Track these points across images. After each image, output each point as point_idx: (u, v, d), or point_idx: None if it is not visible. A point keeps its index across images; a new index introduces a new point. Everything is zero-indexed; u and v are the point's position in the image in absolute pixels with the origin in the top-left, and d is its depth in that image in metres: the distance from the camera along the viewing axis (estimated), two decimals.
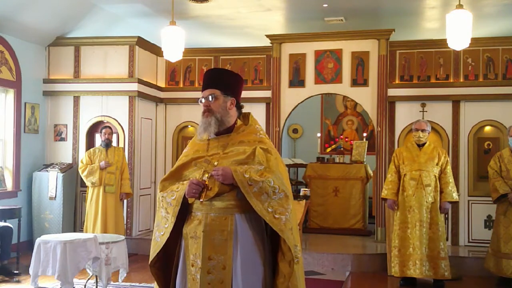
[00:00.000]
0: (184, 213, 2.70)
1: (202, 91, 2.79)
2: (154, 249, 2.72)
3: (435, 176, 5.83)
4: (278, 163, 2.70)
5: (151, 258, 2.73)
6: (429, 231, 5.76)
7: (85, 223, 7.05)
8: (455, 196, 5.85)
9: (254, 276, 2.60)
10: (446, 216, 6.51)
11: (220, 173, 2.56)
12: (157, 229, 2.73)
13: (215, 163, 2.67)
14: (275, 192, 2.57)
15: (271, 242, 2.71)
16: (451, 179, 5.87)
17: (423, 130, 5.90)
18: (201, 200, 2.60)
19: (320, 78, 8.00)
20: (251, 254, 2.62)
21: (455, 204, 6.22)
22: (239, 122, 2.81)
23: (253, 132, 2.77)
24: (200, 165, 2.70)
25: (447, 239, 6.34)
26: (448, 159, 5.97)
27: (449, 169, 5.90)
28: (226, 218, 2.61)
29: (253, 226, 2.65)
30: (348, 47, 7.91)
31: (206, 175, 2.63)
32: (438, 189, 5.82)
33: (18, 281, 5.96)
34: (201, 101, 2.77)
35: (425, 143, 5.94)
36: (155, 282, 2.82)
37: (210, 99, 2.72)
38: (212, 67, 8.48)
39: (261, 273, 2.62)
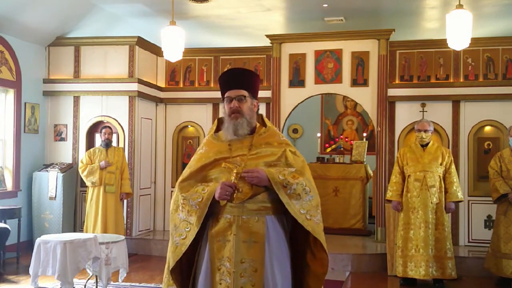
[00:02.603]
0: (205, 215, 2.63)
1: (227, 90, 2.72)
2: (176, 254, 2.60)
3: (439, 176, 5.81)
4: (305, 165, 2.73)
5: (173, 263, 2.61)
6: (435, 232, 5.75)
7: (85, 223, 7.05)
8: (460, 195, 5.84)
9: (284, 278, 2.60)
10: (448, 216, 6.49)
11: (256, 175, 2.54)
12: (176, 233, 2.62)
13: (243, 165, 2.62)
14: (307, 194, 2.62)
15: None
16: (455, 179, 5.86)
17: (425, 131, 5.88)
18: (233, 202, 2.56)
19: (320, 78, 8.00)
20: (281, 255, 2.61)
21: (457, 203, 6.22)
22: (257, 124, 2.81)
23: (275, 134, 2.78)
24: (231, 165, 2.61)
25: None
26: (452, 158, 5.96)
27: (453, 168, 5.88)
28: (258, 220, 2.58)
29: (281, 227, 2.65)
30: (348, 47, 7.91)
31: (235, 177, 2.57)
32: (443, 189, 5.81)
33: (18, 281, 5.96)
34: (227, 101, 2.70)
35: (428, 143, 5.94)
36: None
37: (240, 100, 2.68)
38: (212, 67, 8.49)
39: (290, 274, 2.62)
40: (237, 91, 2.69)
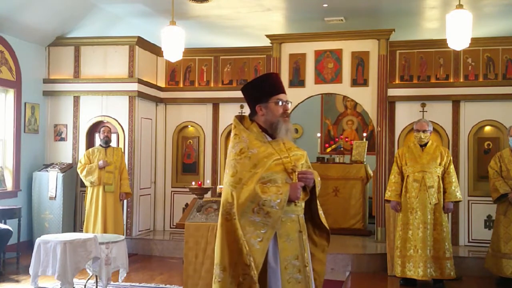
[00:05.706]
0: None
1: (279, 93, 2.85)
2: (258, 258, 2.59)
3: (438, 176, 5.80)
4: None
5: (258, 267, 2.59)
6: (434, 232, 5.74)
7: (85, 223, 7.06)
8: (458, 195, 5.82)
9: None
10: (447, 216, 6.52)
11: (312, 176, 2.79)
12: (252, 235, 2.60)
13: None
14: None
15: None
16: (454, 179, 5.84)
17: (424, 131, 5.86)
18: (299, 202, 2.77)
19: (320, 78, 8.00)
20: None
21: (456, 203, 6.21)
22: None
23: (287, 139, 2.97)
24: (292, 167, 2.78)
25: None
26: (451, 158, 5.95)
27: (452, 168, 5.86)
28: (303, 217, 2.85)
29: None
30: (348, 47, 7.91)
31: (296, 178, 2.75)
32: (442, 189, 5.80)
33: (18, 281, 5.96)
34: (278, 103, 2.82)
35: (427, 143, 5.93)
36: None
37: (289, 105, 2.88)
38: (212, 67, 8.50)
39: None
40: (286, 96, 2.88)
